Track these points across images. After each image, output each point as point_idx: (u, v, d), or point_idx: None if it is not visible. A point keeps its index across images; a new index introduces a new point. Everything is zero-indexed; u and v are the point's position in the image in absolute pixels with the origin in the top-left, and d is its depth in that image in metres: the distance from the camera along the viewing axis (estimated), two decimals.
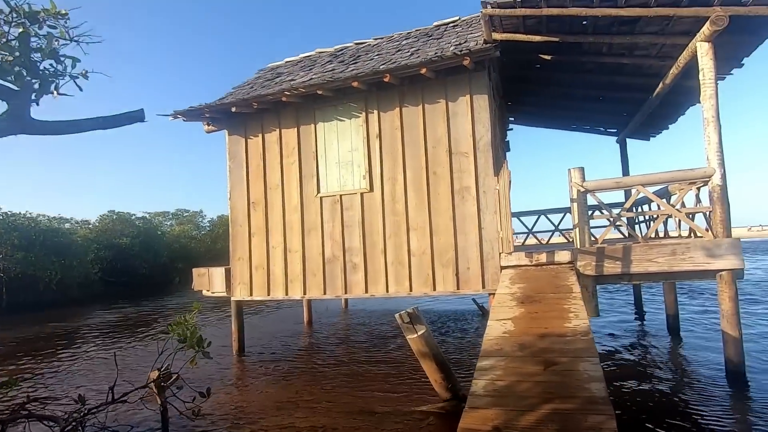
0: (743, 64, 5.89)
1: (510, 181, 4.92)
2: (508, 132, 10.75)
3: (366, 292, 6.35)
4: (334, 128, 6.70)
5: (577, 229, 5.36)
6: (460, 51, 5.61)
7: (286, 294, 6.84)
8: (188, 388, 3.84)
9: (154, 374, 3.92)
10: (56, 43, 2.49)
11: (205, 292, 7.72)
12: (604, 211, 6.06)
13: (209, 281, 7.54)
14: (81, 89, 2.67)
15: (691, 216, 5.53)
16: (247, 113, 7.08)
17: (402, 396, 4.75)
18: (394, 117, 6.33)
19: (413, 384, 5.10)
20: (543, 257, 5.52)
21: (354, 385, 5.27)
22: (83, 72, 2.61)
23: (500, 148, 8.36)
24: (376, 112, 6.43)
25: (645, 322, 8.10)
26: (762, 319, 7.78)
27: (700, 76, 5.02)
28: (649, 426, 3.80)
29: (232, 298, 7.26)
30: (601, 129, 10.32)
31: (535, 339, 3.61)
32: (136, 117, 2.52)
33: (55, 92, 2.59)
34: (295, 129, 6.91)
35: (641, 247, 5.06)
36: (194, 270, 7.72)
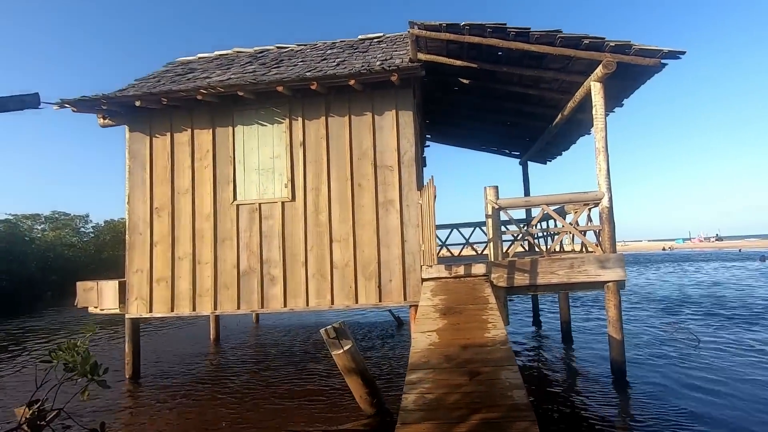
0: (623, 104, 6.89)
1: (435, 196, 5.10)
2: (425, 148, 11.22)
3: (285, 306, 6.05)
4: (254, 133, 6.35)
5: (492, 244, 5.73)
6: (388, 67, 5.72)
7: (194, 309, 6.23)
8: (77, 425, 3.24)
9: (21, 411, 3.24)
10: None
11: (92, 309, 6.71)
12: (513, 227, 6.58)
13: (98, 296, 6.57)
14: None
15: (583, 233, 6.25)
16: (153, 109, 6.40)
17: (323, 415, 4.57)
18: (320, 126, 6.21)
19: (334, 402, 4.95)
20: (461, 270, 5.78)
21: (269, 406, 4.94)
22: None
23: (421, 164, 8.67)
24: (300, 119, 6.24)
25: (542, 330, 8.92)
26: (637, 322, 9.07)
27: (594, 111, 5.74)
28: (556, 421, 4.14)
29: (127, 316, 6.40)
30: (506, 151, 11.28)
31: (459, 350, 3.73)
32: (29, 102, 2.08)
33: None
34: (210, 130, 6.41)
35: (545, 260, 5.57)
36: (79, 284, 6.67)
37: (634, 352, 6.53)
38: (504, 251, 5.74)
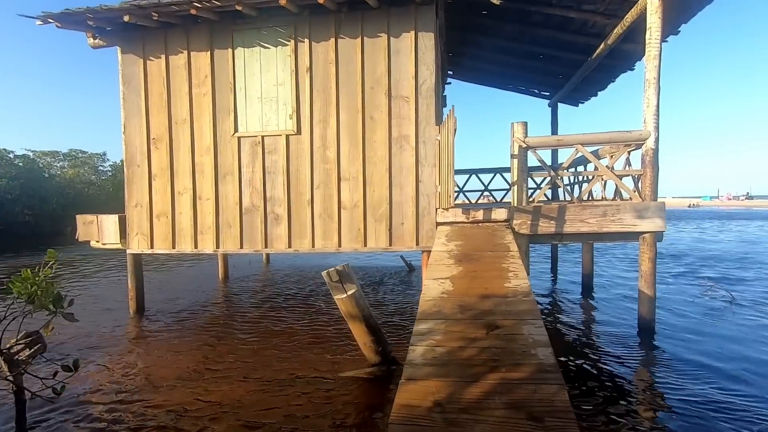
0: (679, 32, 5.93)
1: (455, 129, 4.49)
2: (446, 86, 10.33)
3: (289, 246, 5.71)
4: (256, 56, 5.70)
5: (516, 187, 5.16)
6: None
7: (195, 247, 5.96)
8: (51, 362, 3.01)
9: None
10: None
11: (93, 244, 6.53)
12: (541, 170, 5.95)
13: (99, 231, 6.34)
14: None
15: (620, 179, 5.59)
16: (147, 28, 5.76)
17: (327, 361, 4.33)
18: (329, 49, 5.51)
19: (339, 348, 4.71)
20: (480, 214, 5.28)
21: (273, 349, 4.73)
22: None
23: (440, 99, 7.91)
24: (307, 41, 5.53)
25: (560, 281, 8.51)
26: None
27: (647, 35, 4.89)
28: (573, 379, 3.80)
29: (128, 251, 6.19)
30: (536, 91, 10.33)
31: (476, 300, 3.32)
32: None
33: None
34: (208, 53, 5.77)
35: (575, 207, 5.01)
36: (78, 217, 6.43)
37: (663, 311, 6.08)
38: (528, 197, 5.18)
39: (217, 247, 5.91)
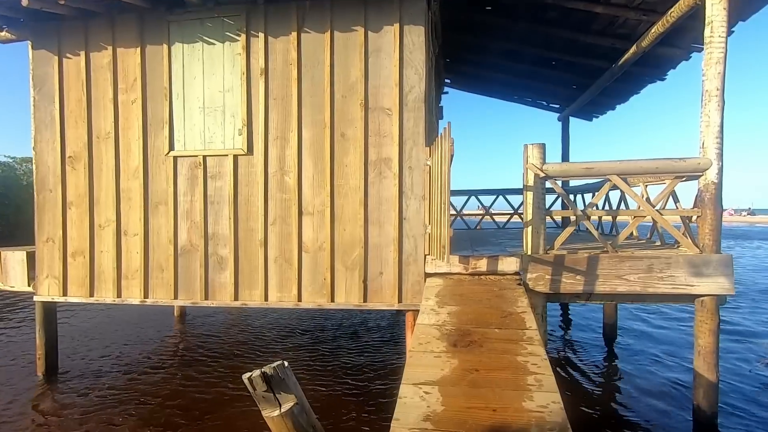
0: (733, 31, 4.73)
1: (451, 156, 3.24)
2: (442, 95, 9.14)
3: (236, 298, 4.43)
4: (198, 54, 4.47)
5: (530, 229, 3.91)
6: None
7: (119, 296, 4.66)
8: None
9: None
10: None
11: (2, 285, 5.23)
12: (558, 205, 4.70)
13: (2, 270, 5.05)
14: None
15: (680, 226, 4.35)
16: (63, 17, 4.54)
17: None
18: (289, 47, 4.28)
19: None
20: (482, 263, 4.01)
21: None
22: None
23: (434, 111, 6.70)
24: (261, 35, 4.31)
25: (573, 331, 7.20)
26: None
27: (707, 32, 3.68)
28: None
29: (36, 298, 4.89)
30: (544, 103, 9.14)
31: None
32: None
33: None
34: (138, 49, 4.54)
35: (610, 259, 3.75)
36: None
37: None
38: (546, 243, 3.92)
39: (146, 296, 4.61)
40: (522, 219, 8.33)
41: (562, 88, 7.96)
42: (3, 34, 4.81)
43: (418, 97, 4.09)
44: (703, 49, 5.15)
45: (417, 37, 4.08)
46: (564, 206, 7.78)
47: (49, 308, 4.99)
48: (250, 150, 4.36)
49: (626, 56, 5.49)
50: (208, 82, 4.45)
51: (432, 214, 3.94)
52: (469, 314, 3.33)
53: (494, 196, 8.96)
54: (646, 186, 4.85)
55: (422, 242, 4.09)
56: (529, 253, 3.90)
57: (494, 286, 3.81)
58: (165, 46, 4.48)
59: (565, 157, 8.50)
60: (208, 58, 4.44)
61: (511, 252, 4.14)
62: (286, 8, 4.24)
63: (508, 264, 3.96)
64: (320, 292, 4.26)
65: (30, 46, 4.77)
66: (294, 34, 4.24)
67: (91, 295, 4.71)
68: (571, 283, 3.79)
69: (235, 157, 4.39)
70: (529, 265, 3.86)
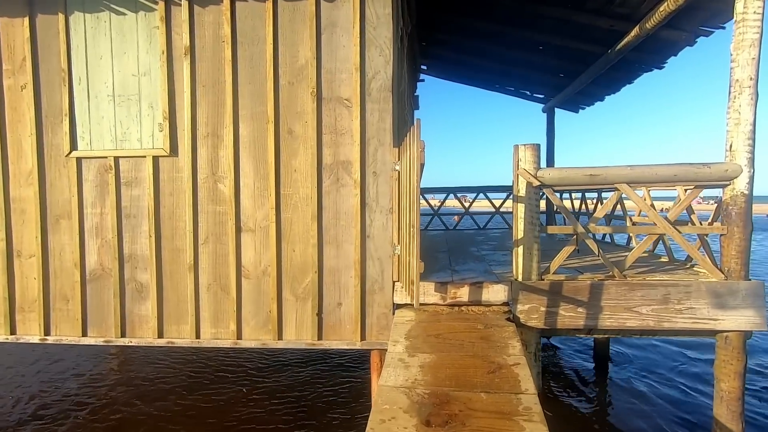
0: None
1: (422, 163, 2.45)
2: (417, 83, 8.32)
3: (160, 335, 3.56)
4: (104, 27, 3.50)
5: (521, 249, 3.18)
6: None
7: (12, 332, 3.72)
8: None
9: None
10: None
11: None
12: (554, 219, 4.00)
13: None
14: None
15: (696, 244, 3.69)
16: None
17: None
18: (221, 18, 3.37)
19: None
20: (464, 292, 3.27)
21: None
22: None
23: (407, 102, 5.88)
24: (185, 3, 3.38)
25: (558, 351, 6.58)
26: None
27: (738, 7, 2.98)
28: None
29: None
30: (527, 93, 8.45)
31: None
32: None
33: None
34: (27, 20, 3.53)
35: (618, 286, 3.07)
36: None
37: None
38: (540, 267, 3.20)
39: (47, 333, 3.69)
40: (506, 221, 7.66)
41: (549, 76, 7.26)
42: None
43: (384, 85, 3.27)
44: (711, 32, 4.51)
45: (382, 9, 3.24)
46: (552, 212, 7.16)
47: None
48: (173, 150, 3.46)
49: (626, 40, 4.79)
50: (118, 64, 3.50)
51: (401, 232, 3.17)
52: (447, 368, 2.58)
53: (474, 194, 8.28)
54: (649, 190, 4.20)
55: (390, 266, 3.31)
56: (521, 279, 3.18)
57: (478, 322, 3.07)
58: (61, 16, 3.49)
59: (550, 153, 7.85)
60: (117, 33, 3.48)
61: (498, 277, 3.41)
62: None
63: (495, 293, 3.22)
64: (265, 327, 3.44)
65: None
66: (227, 2, 3.33)
67: None
68: (571, 317, 3.09)
69: (155, 158, 3.48)
70: (521, 295, 3.14)
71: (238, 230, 3.43)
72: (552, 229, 3.37)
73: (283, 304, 3.42)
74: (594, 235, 3.74)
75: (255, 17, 3.33)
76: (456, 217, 10.31)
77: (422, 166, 2.48)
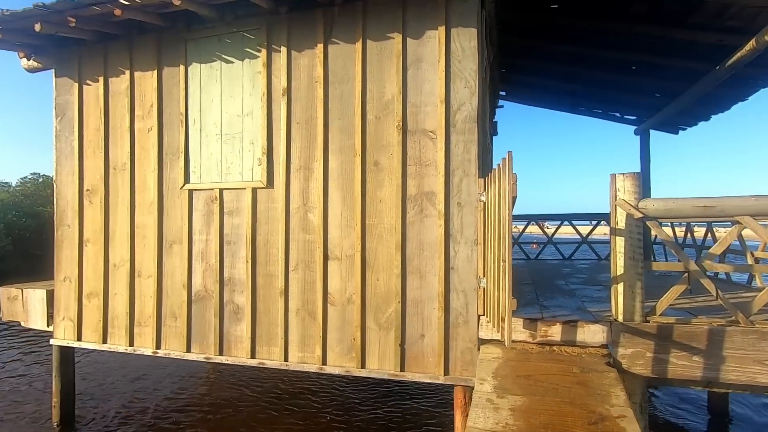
0: None
1: (514, 196, 2.39)
2: (497, 109, 8.21)
3: (253, 356, 3.78)
4: (216, 75, 3.96)
5: (621, 287, 2.92)
6: None
7: (131, 344, 4.20)
8: None
9: None
10: None
11: (24, 324, 4.99)
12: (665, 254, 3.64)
13: (24, 309, 4.80)
14: None
15: None
16: (84, 42, 4.26)
17: None
18: (315, 61, 3.65)
19: None
20: (555, 331, 3.06)
21: None
22: None
23: (488, 130, 5.82)
24: (284, 49, 3.72)
25: (659, 400, 5.85)
26: None
27: None
28: None
29: (53, 341, 4.56)
30: (617, 114, 7.92)
31: None
32: None
33: None
34: (155, 72, 4.12)
35: (744, 334, 2.67)
36: (2, 290, 4.93)
37: None
38: (644, 307, 2.90)
39: (158, 346, 4.10)
40: (595, 251, 7.13)
41: (643, 97, 6.76)
42: (30, 62, 4.63)
43: (469, 116, 3.27)
44: None
45: (467, 41, 3.28)
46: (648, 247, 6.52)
47: (66, 353, 4.65)
48: (270, 182, 3.75)
49: (738, 54, 4.32)
50: (226, 106, 3.92)
51: (487, 264, 3.08)
52: (541, 414, 2.41)
53: (557, 222, 7.85)
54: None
55: (475, 299, 3.22)
56: (621, 319, 2.90)
57: (574, 365, 2.85)
58: (182, 67, 4.02)
59: (646, 179, 7.21)
60: (226, 79, 3.92)
61: (594, 316, 3.15)
62: (311, 16, 3.62)
63: (592, 333, 2.98)
64: (348, 354, 3.51)
65: (54, 74, 4.54)
66: (320, 46, 3.60)
67: (104, 341, 4.29)
68: (685, 366, 2.74)
69: (254, 190, 3.80)
70: (622, 337, 2.86)
71: (326, 258, 3.58)
72: (658, 266, 3.06)
73: (367, 333, 3.47)
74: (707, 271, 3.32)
75: (345, 58, 3.56)
76: (534, 244, 9.85)
77: (514, 199, 2.41)
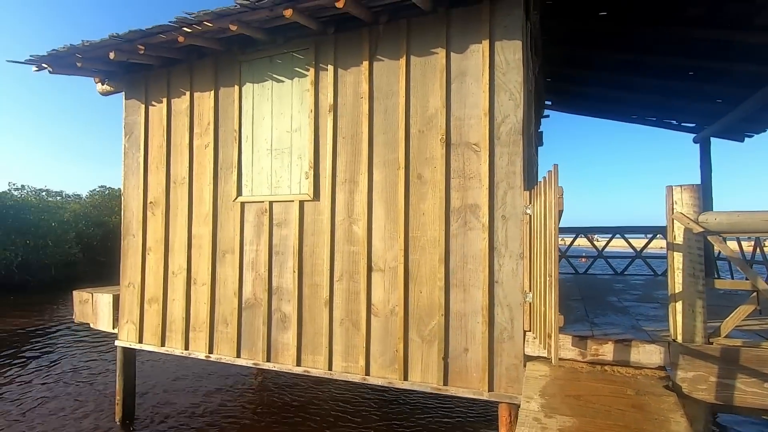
0: None
1: (561, 209, 2.34)
2: (542, 119, 8.03)
3: (298, 363, 3.89)
4: (267, 93, 4.18)
5: (680, 305, 2.76)
6: None
7: (186, 348, 4.45)
8: None
9: None
10: None
11: (95, 326, 5.42)
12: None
13: (93, 311, 5.22)
14: None
15: None
16: (149, 67, 4.65)
17: None
18: (360, 78, 3.77)
19: None
20: (607, 350, 2.93)
21: None
22: None
23: (534, 141, 5.71)
24: (330, 68, 3.87)
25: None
26: None
27: None
28: None
29: (117, 343, 4.92)
30: (674, 122, 7.51)
31: None
32: None
33: None
34: (212, 93, 4.41)
35: None
36: (75, 294, 5.40)
37: None
38: (706, 328, 2.72)
39: (210, 351, 4.32)
40: (650, 266, 6.75)
41: (702, 103, 6.38)
42: (104, 86, 5.10)
43: (513, 129, 3.25)
44: None
45: (512, 54, 3.27)
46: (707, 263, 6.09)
47: (129, 353, 4.99)
48: (316, 195, 3.89)
49: None
50: (276, 123, 4.12)
51: (533, 279, 3.02)
52: None
53: (608, 235, 7.50)
54: None
55: (520, 314, 3.16)
56: (680, 340, 2.74)
57: (627, 386, 2.71)
58: (236, 87, 4.28)
59: (707, 190, 6.77)
60: (277, 97, 4.13)
61: (650, 335, 2.98)
62: (357, 35, 3.76)
63: (648, 354, 2.82)
64: (391, 366, 3.53)
65: (123, 97, 4.97)
66: (365, 63, 3.72)
67: (162, 344, 4.57)
68: (756, 393, 2.53)
69: (301, 203, 3.95)
70: (682, 360, 2.69)
71: (369, 269, 3.64)
72: (722, 284, 2.87)
73: (409, 345, 3.48)
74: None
75: (390, 74, 3.65)
76: (583, 258, 9.45)
77: (561, 212, 2.36)
